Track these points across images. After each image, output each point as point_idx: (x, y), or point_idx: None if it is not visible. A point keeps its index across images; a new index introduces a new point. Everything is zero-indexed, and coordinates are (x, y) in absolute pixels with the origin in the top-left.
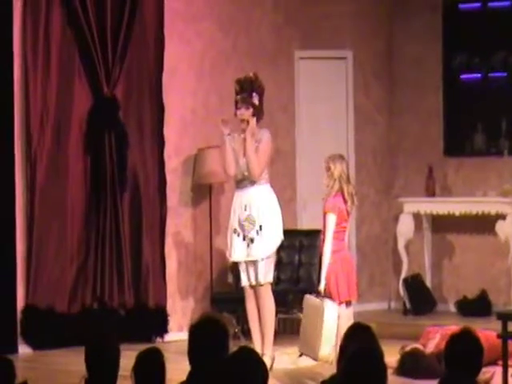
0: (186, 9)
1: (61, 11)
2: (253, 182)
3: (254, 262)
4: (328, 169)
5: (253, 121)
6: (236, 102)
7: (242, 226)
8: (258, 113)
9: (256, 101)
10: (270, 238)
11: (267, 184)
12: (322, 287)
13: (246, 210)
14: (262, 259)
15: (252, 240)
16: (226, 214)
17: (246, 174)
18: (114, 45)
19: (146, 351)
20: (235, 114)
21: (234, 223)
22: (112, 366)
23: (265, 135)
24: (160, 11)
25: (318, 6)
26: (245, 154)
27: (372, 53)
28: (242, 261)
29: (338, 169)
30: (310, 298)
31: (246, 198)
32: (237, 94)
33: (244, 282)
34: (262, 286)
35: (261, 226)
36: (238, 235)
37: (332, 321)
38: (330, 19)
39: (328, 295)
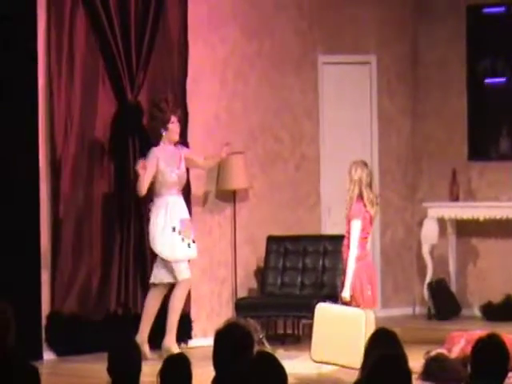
0: (210, 15)
1: (85, 18)
2: None
3: None
4: (349, 172)
5: None
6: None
7: None
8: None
9: None
10: None
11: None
12: (347, 294)
13: None
14: None
15: None
16: (251, 220)
17: None
18: (137, 51)
19: (173, 356)
20: None
21: None
22: (135, 372)
23: None
24: (184, 17)
25: (342, 11)
26: None
27: (396, 57)
28: None
29: (357, 173)
30: (338, 308)
31: None
32: None
33: None
34: None
35: None
36: None
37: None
38: (353, 24)
39: (351, 303)
